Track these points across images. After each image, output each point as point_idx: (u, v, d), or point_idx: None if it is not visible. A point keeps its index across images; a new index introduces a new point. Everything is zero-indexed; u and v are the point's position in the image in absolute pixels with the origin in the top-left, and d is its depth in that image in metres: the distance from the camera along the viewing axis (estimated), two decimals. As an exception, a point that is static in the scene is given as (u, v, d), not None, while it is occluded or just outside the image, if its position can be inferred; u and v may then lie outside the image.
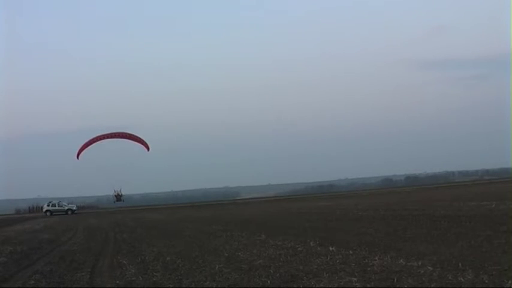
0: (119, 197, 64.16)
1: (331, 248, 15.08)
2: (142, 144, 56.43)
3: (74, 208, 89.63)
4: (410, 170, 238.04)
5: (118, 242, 23.72)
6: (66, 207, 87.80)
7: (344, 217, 29.93)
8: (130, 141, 56.46)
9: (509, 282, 9.16)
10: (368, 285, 9.89)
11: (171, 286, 11.45)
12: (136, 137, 56.47)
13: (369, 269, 11.48)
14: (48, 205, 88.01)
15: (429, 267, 10.93)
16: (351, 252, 14.09)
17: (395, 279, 10.12)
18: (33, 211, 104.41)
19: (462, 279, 9.66)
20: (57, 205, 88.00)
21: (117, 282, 12.46)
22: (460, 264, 11.00)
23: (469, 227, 18.53)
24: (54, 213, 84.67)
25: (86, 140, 54.93)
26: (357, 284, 10.08)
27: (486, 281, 9.42)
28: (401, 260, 12.13)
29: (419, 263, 11.49)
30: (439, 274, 10.27)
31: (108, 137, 54.53)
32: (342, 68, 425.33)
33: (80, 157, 56.24)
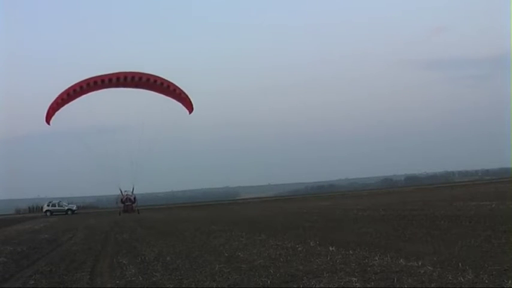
0: (129, 206, 35.47)
1: (331, 248, 15.08)
2: (179, 100, 29.80)
3: (74, 208, 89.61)
4: (410, 170, 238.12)
5: (118, 242, 23.71)
6: (66, 207, 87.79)
7: (344, 217, 29.92)
8: (151, 92, 29.22)
9: (509, 282, 9.16)
10: (368, 285, 9.88)
11: (171, 286, 11.45)
12: (167, 84, 29.11)
13: (369, 269, 11.47)
14: (48, 205, 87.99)
15: (429, 267, 10.93)
16: (351, 252, 14.08)
17: (395, 279, 10.11)
18: (33, 211, 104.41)
19: (462, 279, 9.66)
20: (57, 205, 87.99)
21: (117, 282, 12.46)
22: (460, 264, 10.99)
23: (469, 227, 18.53)
24: (54, 213, 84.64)
25: (68, 87, 28.01)
26: (357, 284, 10.08)
27: (486, 281, 9.41)
28: (401, 260, 12.13)
29: (419, 263, 11.49)
30: (439, 274, 10.26)
31: (109, 84, 27.92)
32: (342, 69, 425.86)
33: (54, 117, 28.51)
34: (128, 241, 23.78)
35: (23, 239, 29.60)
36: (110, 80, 28.05)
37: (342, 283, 10.27)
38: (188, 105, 30.70)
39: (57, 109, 28.92)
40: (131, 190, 36.01)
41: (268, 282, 10.98)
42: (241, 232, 23.42)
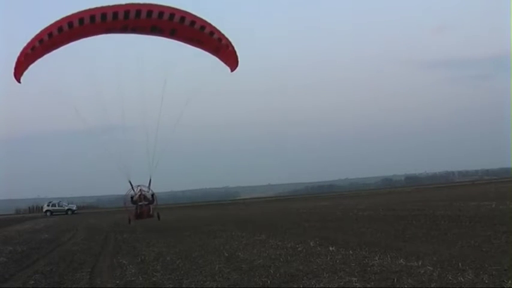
0: (145, 209, 25.02)
1: (331, 248, 15.08)
2: (216, 51, 20.80)
3: (74, 208, 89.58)
4: (410, 170, 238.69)
5: (118, 242, 23.69)
6: (66, 207, 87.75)
7: (344, 217, 29.91)
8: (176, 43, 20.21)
9: (509, 282, 9.16)
10: (368, 285, 9.88)
11: (171, 286, 11.45)
12: (202, 24, 19.73)
13: (369, 269, 11.47)
14: (48, 205, 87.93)
15: (429, 267, 10.93)
16: (351, 252, 14.08)
17: (395, 279, 10.11)
18: (33, 211, 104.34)
19: (462, 279, 9.66)
20: (57, 205, 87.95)
21: (117, 282, 12.46)
22: (460, 264, 11.00)
23: (469, 227, 18.53)
24: (54, 213, 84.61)
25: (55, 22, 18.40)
26: (357, 284, 10.08)
27: (486, 281, 9.42)
28: (401, 260, 12.13)
29: (419, 263, 11.49)
30: (439, 274, 10.26)
31: (112, 23, 18.69)
32: (342, 70, 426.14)
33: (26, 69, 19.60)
34: (128, 241, 23.76)
35: (23, 239, 29.58)
36: (115, 15, 18.40)
37: (342, 283, 10.27)
38: (233, 58, 21.25)
39: (34, 57, 19.40)
40: (147, 184, 24.33)
41: (268, 282, 10.98)
42: (241, 232, 23.42)
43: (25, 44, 19.16)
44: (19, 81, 19.97)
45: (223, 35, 20.62)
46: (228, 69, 22.04)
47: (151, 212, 25.77)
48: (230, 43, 20.91)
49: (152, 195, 25.35)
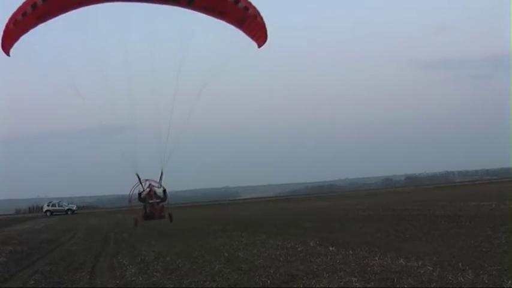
0: (157, 208, 21.88)
1: (331, 248, 15.08)
2: (240, 24, 17.68)
3: (74, 208, 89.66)
4: (410, 170, 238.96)
5: (118, 242, 23.71)
6: (66, 207, 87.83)
7: (344, 217, 29.91)
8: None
9: (509, 282, 9.16)
10: (368, 285, 9.88)
11: (171, 286, 11.45)
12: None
13: (369, 269, 11.47)
14: (48, 205, 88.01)
15: (429, 267, 10.93)
16: (351, 252, 14.08)
17: (395, 279, 10.11)
18: (33, 211, 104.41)
19: (462, 279, 9.66)
20: (57, 205, 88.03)
21: (117, 282, 12.46)
22: (460, 264, 11.00)
23: (469, 227, 18.53)
24: (54, 213, 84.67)
25: None
26: (357, 284, 10.07)
27: (486, 281, 9.41)
28: (401, 260, 12.13)
29: (419, 263, 11.49)
30: (439, 274, 10.26)
31: None
32: (342, 71, 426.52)
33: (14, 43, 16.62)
34: (128, 241, 23.77)
35: (23, 239, 29.59)
36: None
37: (342, 283, 10.27)
38: (262, 31, 18.30)
39: (26, 26, 16.40)
40: (157, 179, 21.09)
41: (268, 282, 10.98)
42: (241, 232, 23.42)
43: (15, 9, 16.17)
44: (8, 54, 17.29)
45: (250, 3, 17.63)
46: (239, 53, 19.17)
47: (163, 212, 22.42)
48: (258, 13, 17.91)
49: (164, 191, 21.95)
